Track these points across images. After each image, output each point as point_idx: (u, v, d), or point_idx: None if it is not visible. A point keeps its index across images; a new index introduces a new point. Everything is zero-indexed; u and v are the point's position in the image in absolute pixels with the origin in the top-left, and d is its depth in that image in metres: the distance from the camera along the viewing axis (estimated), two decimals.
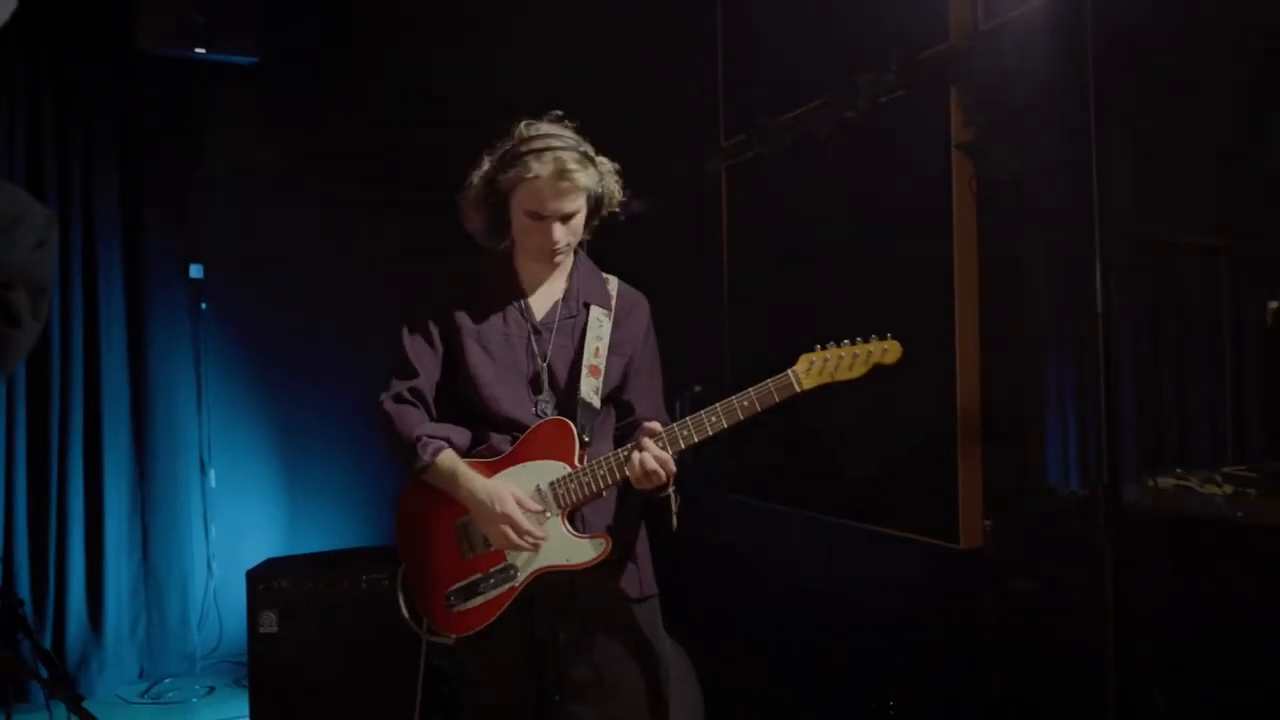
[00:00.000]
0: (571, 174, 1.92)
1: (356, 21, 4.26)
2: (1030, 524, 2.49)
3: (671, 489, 1.95)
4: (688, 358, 3.51)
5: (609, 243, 2.13)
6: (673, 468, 1.90)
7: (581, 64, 3.85)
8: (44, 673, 3.22)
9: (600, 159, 2.01)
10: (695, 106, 3.77)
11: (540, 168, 1.91)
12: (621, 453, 1.92)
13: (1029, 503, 2.53)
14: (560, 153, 1.92)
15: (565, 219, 1.96)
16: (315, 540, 4.21)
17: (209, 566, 4.32)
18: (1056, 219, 2.17)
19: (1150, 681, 2.05)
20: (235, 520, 4.36)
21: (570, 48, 3.96)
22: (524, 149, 1.93)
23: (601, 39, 3.92)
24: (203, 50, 3.79)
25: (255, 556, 3.60)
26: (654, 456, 1.87)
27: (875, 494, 2.97)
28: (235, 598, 4.14)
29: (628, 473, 1.89)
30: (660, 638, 2.06)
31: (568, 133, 1.98)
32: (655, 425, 1.92)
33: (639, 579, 2.05)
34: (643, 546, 2.08)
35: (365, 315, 4.28)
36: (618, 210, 2.06)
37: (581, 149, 1.96)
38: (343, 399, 4.31)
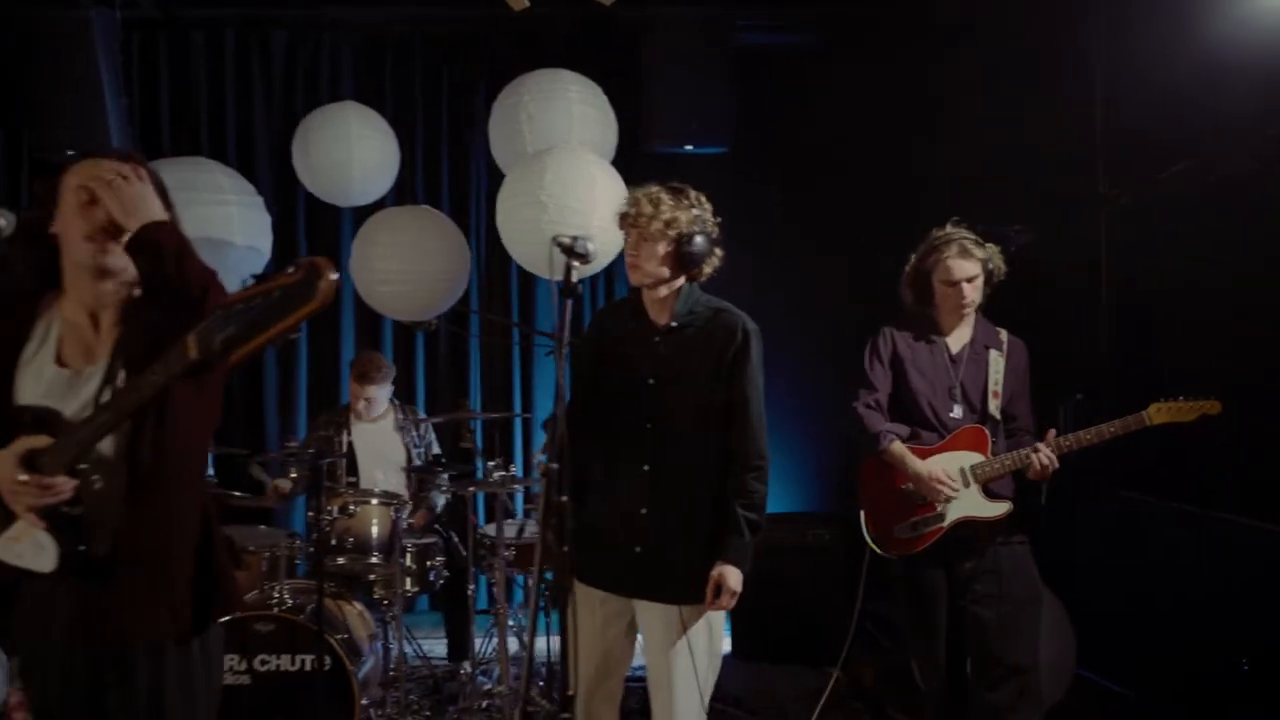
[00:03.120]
0: (969, 251, 3.02)
1: (796, 120, 5.54)
2: None
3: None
4: (1069, 370, 4.32)
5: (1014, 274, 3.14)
6: (1057, 465, 2.91)
7: (988, 127, 4.80)
8: None
9: (988, 244, 3.06)
10: (1082, 159, 4.54)
11: (949, 250, 3.03)
12: (1022, 453, 2.95)
13: None
14: (960, 240, 3.03)
15: (969, 280, 3.03)
16: None
17: None
18: None
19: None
20: None
21: (976, 114, 4.92)
22: (938, 242, 3.06)
23: (1011, 106, 4.80)
24: (690, 147, 5.23)
25: None
26: (1048, 458, 2.90)
27: (1233, 488, 3.65)
28: None
29: (1026, 464, 2.93)
30: (1033, 566, 3.05)
31: (965, 230, 3.06)
32: (1050, 436, 2.94)
33: (1019, 528, 3.06)
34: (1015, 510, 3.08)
35: (805, 339, 5.61)
36: (1006, 271, 3.09)
37: (973, 238, 3.03)
38: (785, 399, 5.63)
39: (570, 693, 1.53)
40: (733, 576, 2.50)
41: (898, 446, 3.05)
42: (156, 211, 1.83)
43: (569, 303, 1.81)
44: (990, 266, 3.06)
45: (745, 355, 2.57)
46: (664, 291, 2.57)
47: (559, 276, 2.11)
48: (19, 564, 1.79)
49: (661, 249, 2.51)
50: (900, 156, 5.17)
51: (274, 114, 5.63)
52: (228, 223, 3.66)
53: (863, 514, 3.19)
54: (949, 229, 3.10)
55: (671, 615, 2.53)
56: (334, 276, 1.50)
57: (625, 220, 2.54)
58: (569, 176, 3.06)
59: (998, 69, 4.81)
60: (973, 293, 3.06)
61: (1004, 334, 3.15)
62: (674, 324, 2.59)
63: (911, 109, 5.20)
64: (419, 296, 3.51)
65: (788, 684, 4.42)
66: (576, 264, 1.84)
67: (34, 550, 1.77)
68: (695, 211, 2.56)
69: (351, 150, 3.89)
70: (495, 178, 5.66)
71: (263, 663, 3.26)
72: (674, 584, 2.53)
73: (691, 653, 2.53)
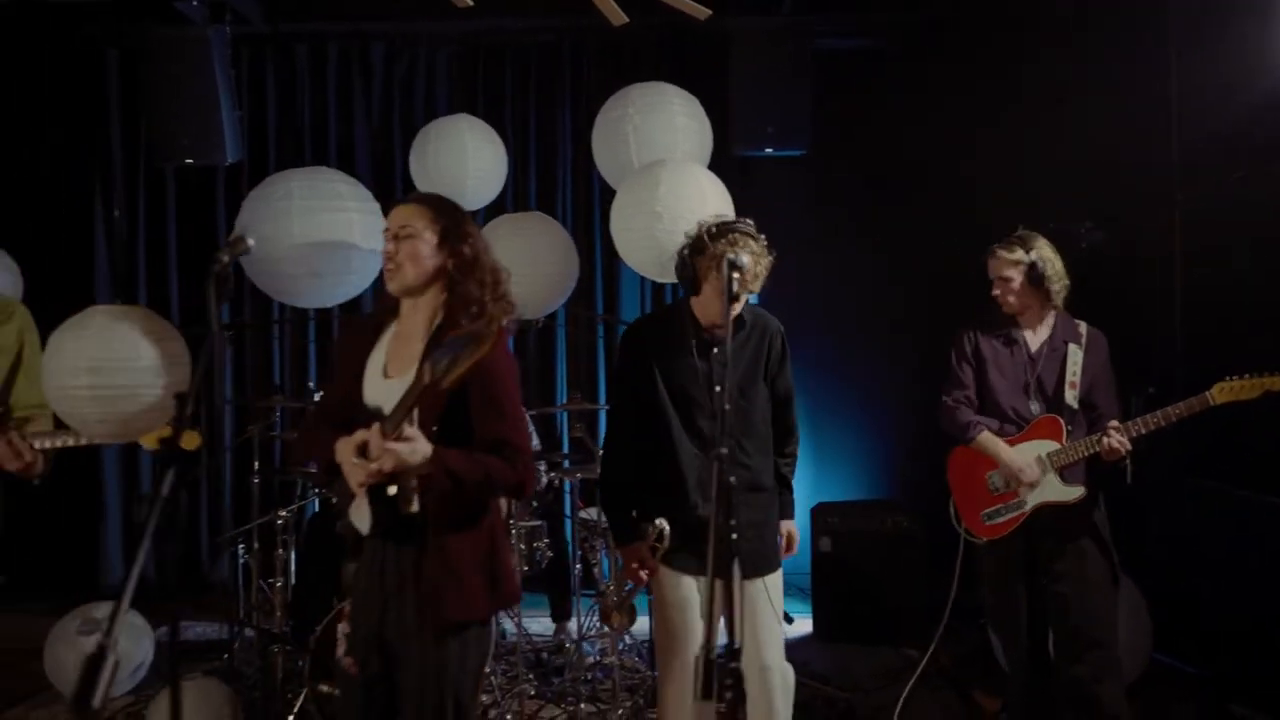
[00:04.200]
0: (996, 252, 3.27)
1: (872, 122, 5.75)
2: None
3: (1127, 460, 3.15)
4: (1142, 365, 4.48)
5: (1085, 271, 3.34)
6: (1129, 447, 3.10)
7: (1063, 130, 4.97)
8: None
9: (1036, 249, 3.22)
10: (1157, 160, 4.68)
11: (990, 250, 3.28)
12: (1094, 437, 3.14)
13: None
14: (997, 246, 3.27)
15: (1001, 281, 3.26)
16: (832, 492, 5.70)
17: None
18: None
19: None
20: None
21: (1051, 116, 5.08)
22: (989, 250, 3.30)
23: (1086, 109, 4.95)
24: (771, 150, 5.46)
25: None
26: (1118, 442, 3.09)
27: None
28: None
29: (1099, 448, 3.12)
30: (1110, 546, 3.25)
31: (1020, 233, 3.27)
32: (1116, 423, 3.12)
33: (1096, 512, 3.26)
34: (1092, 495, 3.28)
35: (877, 331, 5.80)
36: (1056, 276, 3.25)
37: (1016, 239, 3.24)
38: (855, 389, 5.85)
39: (737, 646, 1.78)
40: (795, 528, 3.10)
41: (987, 436, 3.27)
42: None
43: (733, 308, 2.11)
44: (1039, 270, 3.20)
45: (786, 352, 2.97)
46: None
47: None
48: (357, 526, 2.37)
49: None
50: (975, 157, 5.34)
51: (373, 123, 5.97)
52: (349, 228, 3.92)
53: (952, 501, 3.41)
54: (1019, 230, 3.31)
55: (763, 586, 2.83)
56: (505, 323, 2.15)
57: (740, 279, 2.61)
58: (681, 189, 3.32)
59: (1073, 73, 4.97)
60: (1005, 293, 3.25)
61: (1084, 326, 3.34)
62: (731, 334, 2.83)
63: (986, 111, 5.36)
64: (535, 296, 3.80)
65: (868, 663, 4.64)
66: (736, 275, 2.15)
67: (361, 516, 2.34)
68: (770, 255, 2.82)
69: (467, 160, 4.21)
70: (580, 180, 5.99)
71: None
72: (765, 558, 2.87)
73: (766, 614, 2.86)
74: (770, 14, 5.52)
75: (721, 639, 1.84)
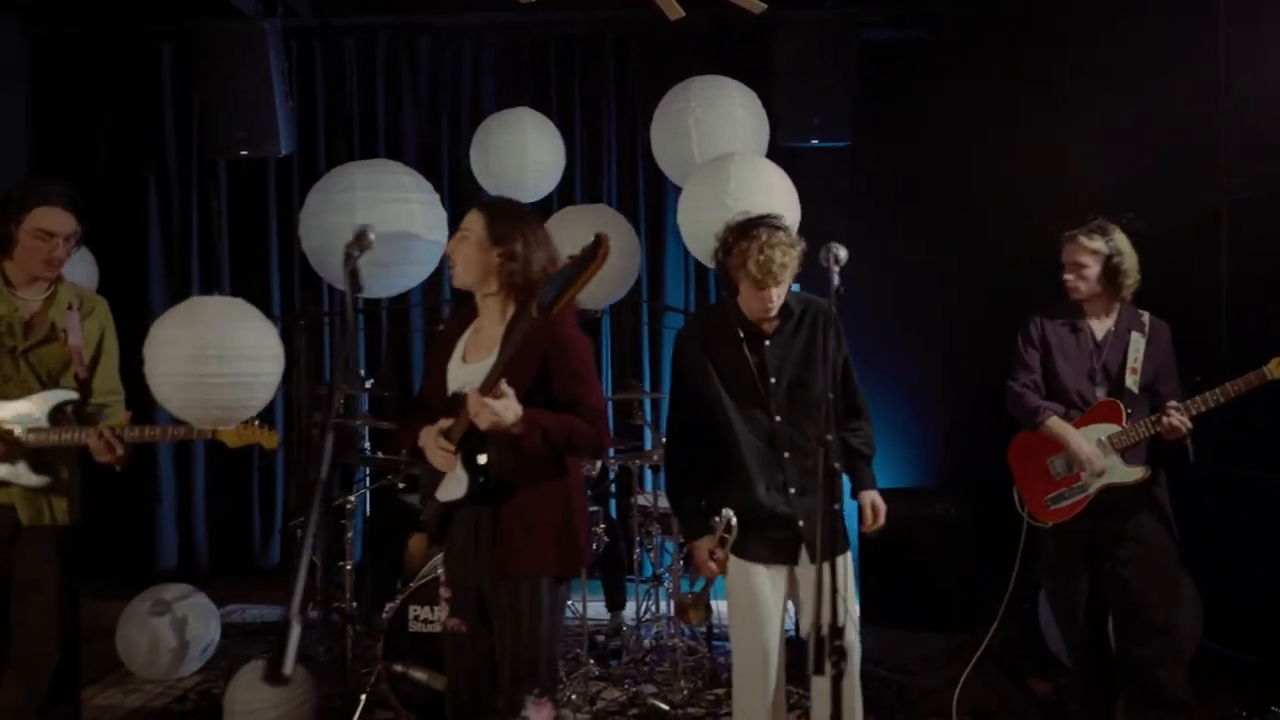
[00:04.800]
0: (1078, 238, 3.30)
1: (916, 113, 5.79)
2: None
3: (1188, 440, 3.21)
4: (1185, 352, 4.50)
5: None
6: (1190, 425, 3.15)
7: (1109, 120, 4.99)
8: None
9: (1115, 241, 3.28)
10: (1205, 151, 4.71)
11: (1071, 234, 3.30)
12: (1153, 419, 3.20)
13: None
14: (1078, 232, 3.30)
15: (1075, 265, 3.29)
16: (878, 480, 5.74)
17: None
18: None
19: None
20: None
21: (1098, 107, 5.10)
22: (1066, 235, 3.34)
23: (1133, 100, 4.96)
24: (815, 141, 5.50)
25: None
26: (1179, 420, 3.14)
27: None
28: None
29: (1160, 428, 3.17)
30: (1171, 530, 3.30)
31: (1100, 222, 3.32)
32: (1175, 402, 3.17)
33: (1158, 489, 3.31)
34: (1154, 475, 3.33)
35: (920, 322, 5.84)
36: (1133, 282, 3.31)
37: (1097, 228, 3.29)
38: (897, 380, 5.89)
39: (840, 624, 1.85)
40: (879, 498, 3.05)
41: (1055, 421, 3.33)
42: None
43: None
44: (1115, 262, 3.27)
45: (839, 330, 2.91)
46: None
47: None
48: (447, 499, 2.54)
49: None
50: (1019, 147, 5.37)
51: (420, 116, 6.05)
52: (410, 219, 4.00)
53: (1016, 487, 3.47)
54: (1098, 220, 3.36)
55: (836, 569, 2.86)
56: (610, 244, 2.17)
57: (770, 282, 2.76)
58: (751, 182, 3.39)
59: (1120, 62, 4.98)
60: (1078, 280, 3.31)
61: (1146, 316, 3.38)
62: (779, 324, 2.91)
63: (1030, 101, 5.39)
64: (601, 287, 3.87)
65: (917, 647, 4.72)
66: (836, 268, 2.22)
67: (455, 485, 2.50)
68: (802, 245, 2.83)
69: (527, 153, 4.29)
70: (625, 170, 6.05)
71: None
72: (835, 541, 2.87)
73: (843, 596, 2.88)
74: (815, 5, 5.56)
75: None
